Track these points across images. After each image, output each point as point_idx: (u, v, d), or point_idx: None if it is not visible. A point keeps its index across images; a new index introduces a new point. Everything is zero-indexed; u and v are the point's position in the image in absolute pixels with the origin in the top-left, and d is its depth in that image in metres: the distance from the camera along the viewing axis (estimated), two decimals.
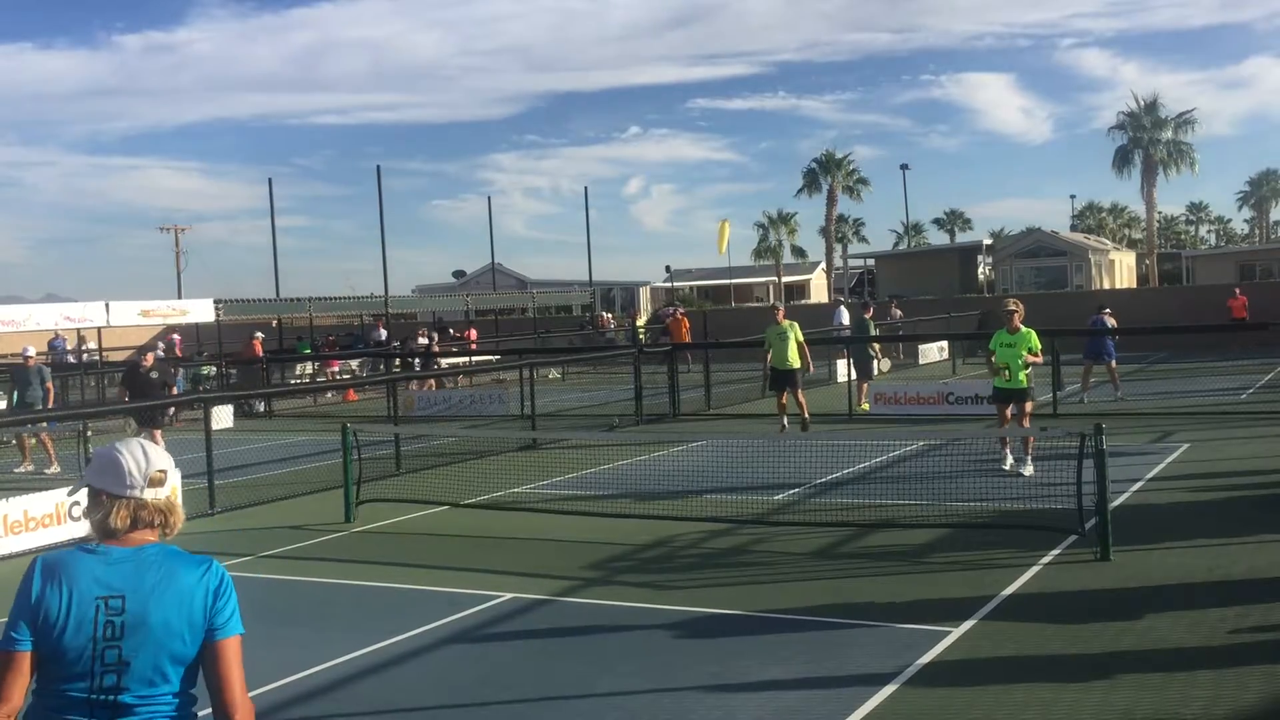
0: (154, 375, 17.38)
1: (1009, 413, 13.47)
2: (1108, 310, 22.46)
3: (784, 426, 18.10)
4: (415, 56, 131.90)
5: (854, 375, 21.95)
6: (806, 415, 17.96)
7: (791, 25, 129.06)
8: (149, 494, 2.98)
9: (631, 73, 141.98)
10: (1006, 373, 13.30)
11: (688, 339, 32.57)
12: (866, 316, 24.65)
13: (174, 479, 3.14)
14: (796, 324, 18.43)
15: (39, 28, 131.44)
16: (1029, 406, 13.59)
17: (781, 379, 18.07)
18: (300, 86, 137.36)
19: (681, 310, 38.75)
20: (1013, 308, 13.60)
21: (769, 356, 18.16)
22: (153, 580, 2.93)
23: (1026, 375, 13.36)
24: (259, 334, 31.00)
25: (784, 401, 18.14)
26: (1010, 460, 13.38)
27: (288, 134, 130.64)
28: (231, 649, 2.97)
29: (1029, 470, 12.97)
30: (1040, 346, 13.64)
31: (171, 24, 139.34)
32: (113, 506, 2.98)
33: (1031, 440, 13.19)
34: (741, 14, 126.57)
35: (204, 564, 3.03)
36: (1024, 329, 13.45)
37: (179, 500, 2.84)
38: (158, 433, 16.31)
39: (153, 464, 2.99)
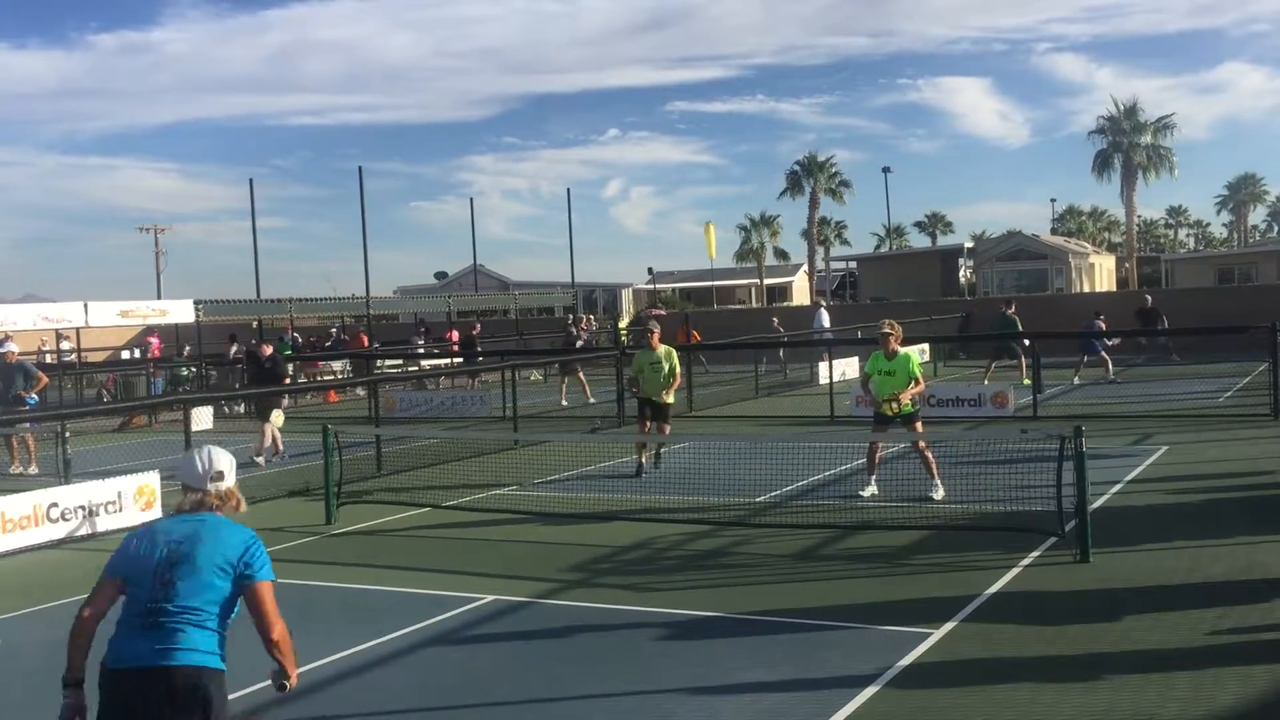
0: (267, 366, 18.25)
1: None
2: (1101, 315, 25.72)
3: (642, 466, 14.77)
4: (390, 58, 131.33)
5: (995, 363, 24.89)
6: (664, 448, 15.48)
7: (768, 29, 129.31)
8: (210, 486, 4.34)
9: (608, 75, 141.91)
10: (894, 405, 12.04)
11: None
12: (1010, 313, 25.24)
13: (231, 477, 4.41)
14: (675, 352, 15.39)
15: (11, 27, 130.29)
16: (919, 425, 12.39)
17: (649, 409, 14.98)
18: (276, 87, 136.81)
19: (655, 310, 38.93)
20: (888, 330, 12.22)
21: (638, 385, 15.06)
22: (204, 535, 4.22)
23: (911, 400, 12.16)
24: (362, 330, 36.68)
25: (648, 432, 14.87)
26: (871, 489, 12.29)
27: (265, 135, 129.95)
28: (265, 589, 4.19)
29: (939, 494, 11.98)
30: (919, 371, 12.17)
31: (146, 24, 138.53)
32: (185, 493, 4.37)
33: (933, 461, 12.14)
34: (717, 17, 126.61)
35: (242, 531, 4.30)
36: (903, 351, 12.20)
37: (237, 490, 4.43)
38: (267, 426, 17.37)
39: (214, 466, 4.35)
